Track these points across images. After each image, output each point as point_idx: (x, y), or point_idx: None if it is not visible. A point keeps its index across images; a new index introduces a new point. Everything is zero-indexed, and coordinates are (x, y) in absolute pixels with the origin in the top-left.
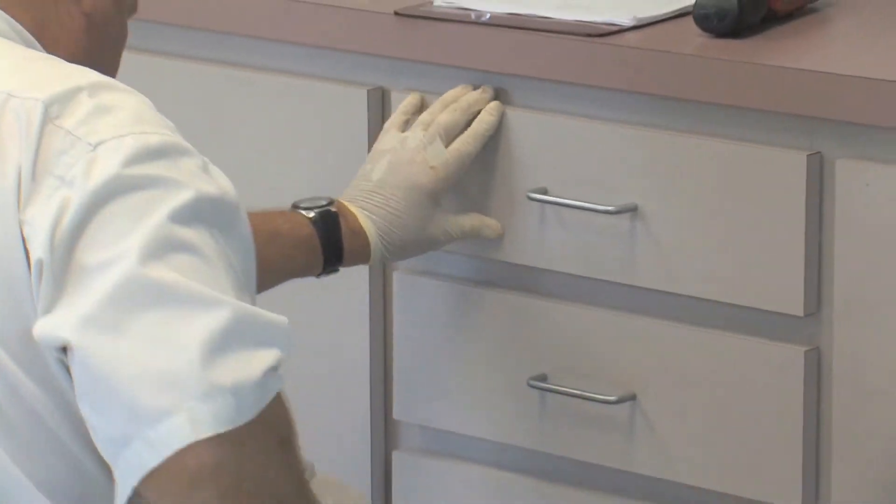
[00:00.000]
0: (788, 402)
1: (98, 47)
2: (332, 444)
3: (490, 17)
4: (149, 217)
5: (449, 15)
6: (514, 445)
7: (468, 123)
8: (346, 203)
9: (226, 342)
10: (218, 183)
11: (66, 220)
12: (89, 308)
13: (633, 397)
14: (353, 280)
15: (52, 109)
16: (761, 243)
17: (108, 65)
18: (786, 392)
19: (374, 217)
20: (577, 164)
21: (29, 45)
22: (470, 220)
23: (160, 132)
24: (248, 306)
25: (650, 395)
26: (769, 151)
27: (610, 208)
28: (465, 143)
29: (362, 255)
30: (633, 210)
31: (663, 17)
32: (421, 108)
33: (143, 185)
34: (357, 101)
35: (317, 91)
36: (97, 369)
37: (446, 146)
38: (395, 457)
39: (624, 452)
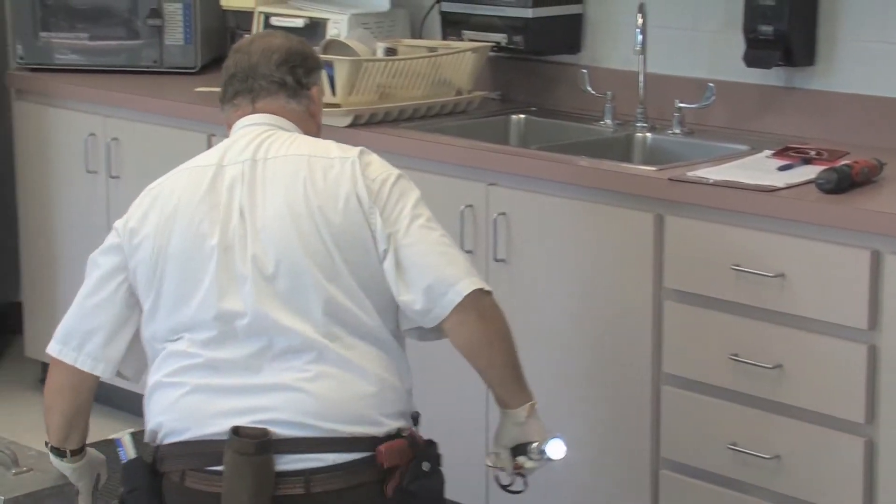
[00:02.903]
0: (852, 377)
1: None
2: None
3: (714, 181)
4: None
5: (694, 179)
6: None
7: None
8: None
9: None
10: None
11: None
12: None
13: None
14: None
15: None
16: (845, 293)
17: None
18: (850, 369)
19: None
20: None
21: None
22: None
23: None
24: None
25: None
26: (852, 250)
27: (768, 273)
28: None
29: None
30: (781, 276)
31: (799, 183)
32: None
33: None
34: (644, 223)
35: (609, 213)
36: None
37: None
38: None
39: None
